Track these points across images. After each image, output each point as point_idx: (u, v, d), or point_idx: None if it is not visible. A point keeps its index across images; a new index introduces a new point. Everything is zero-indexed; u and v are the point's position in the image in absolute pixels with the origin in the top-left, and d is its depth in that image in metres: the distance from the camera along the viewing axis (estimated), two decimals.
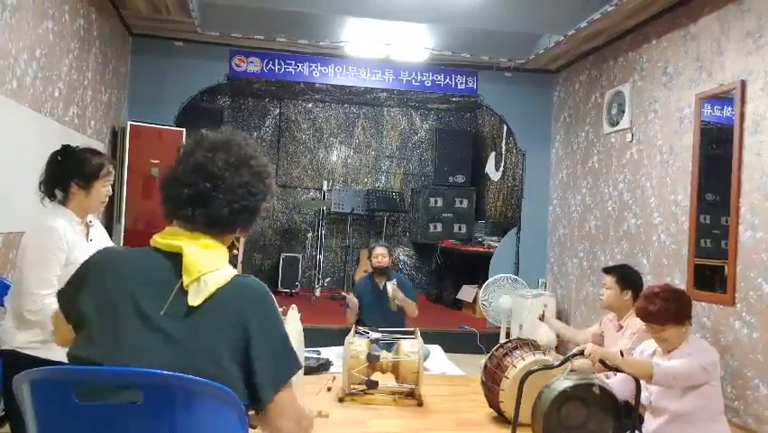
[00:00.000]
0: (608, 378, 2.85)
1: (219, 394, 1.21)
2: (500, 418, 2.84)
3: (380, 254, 4.88)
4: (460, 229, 8.69)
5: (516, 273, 6.47)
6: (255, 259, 8.95)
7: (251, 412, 1.33)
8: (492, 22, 5.54)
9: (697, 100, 4.38)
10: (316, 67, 6.54)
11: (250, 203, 1.40)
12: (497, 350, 2.96)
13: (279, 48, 6.41)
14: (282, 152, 9.18)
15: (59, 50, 4.18)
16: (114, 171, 2.51)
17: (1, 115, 3.33)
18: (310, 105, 9.26)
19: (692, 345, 2.67)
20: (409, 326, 4.27)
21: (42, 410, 1.23)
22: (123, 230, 5.67)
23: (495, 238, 7.43)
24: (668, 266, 4.63)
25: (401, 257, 9.33)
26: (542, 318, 4.07)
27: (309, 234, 9.14)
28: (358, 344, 3.18)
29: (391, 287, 4.72)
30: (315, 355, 4.16)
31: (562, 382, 2.43)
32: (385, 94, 8.45)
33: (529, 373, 2.53)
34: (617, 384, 2.74)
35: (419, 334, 3.31)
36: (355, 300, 4.87)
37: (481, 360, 3.04)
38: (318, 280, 8.69)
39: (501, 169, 8.37)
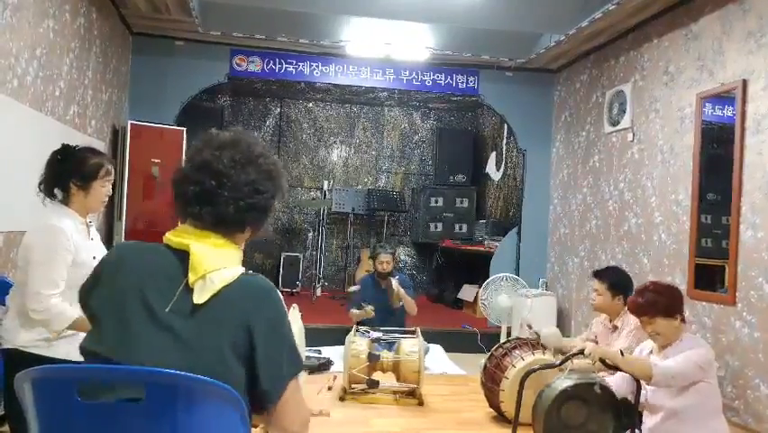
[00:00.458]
0: (611, 375, 2.85)
1: (221, 393, 1.21)
2: (501, 417, 2.84)
3: (385, 261, 4.91)
4: (460, 229, 8.69)
5: (517, 273, 6.48)
6: (256, 258, 8.95)
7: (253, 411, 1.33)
8: (493, 21, 5.54)
9: (698, 100, 4.38)
10: (317, 66, 6.54)
11: (258, 201, 1.39)
12: (496, 350, 2.96)
13: (280, 47, 6.41)
14: (283, 151, 9.18)
15: (59, 50, 4.18)
16: (113, 171, 2.50)
17: (1, 114, 3.33)
18: (311, 104, 9.26)
19: (687, 342, 2.69)
20: (410, 325, 4.27)
21: (44, 409, 1.23)
22: (123, 229, 5.67)
23: (495, 238, 7.43)
24: (669, 266, 4.62)
25: (402, 257, 9.33)
26: (538, 344, 3.99)
27: (310, 234, 9.15)
28: (359, 343, 3.18)
29: (396, 282, 4.77)
30: (316, 355, 4.16)
31: (563, 382, 2.42)
32: (386, 93, 8.45)
33: (530, 372, 2.53)
34: (615, 382, 2.74)
35: (420, 333, 3.30)
36: (371, 311, 4.79)
37: (482, 359, 3.04)
38: (319, 279, 8.69)
39: (502, 168, 8.36)
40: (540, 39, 6.11)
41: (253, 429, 1.37)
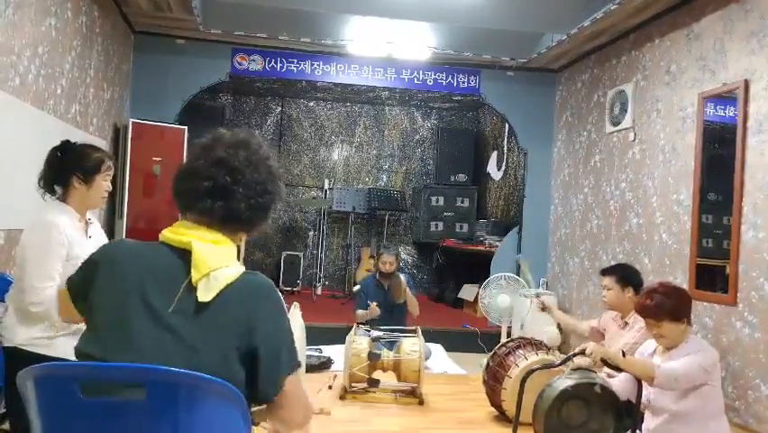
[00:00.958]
0: (610, 377, 2.84)
1: (223, 391, 1.21)
2: (501, 417, 2.84)
3: (389, 262, 4.92)
4: (461, 228, 8.69)
5: (518, 273, 6.47)
6: (257, 257, 8.95)
7: (254, 409, 1.33)
8: (494, 21, 5.54)
9: (700, 99, 4.37)
10: (318, 65, 6.54)
11: (265, 201, 1.41)
12: (499, 349, 2.96)
13: (281, 46, 6.40)
14: (284, 150, 9.18)
15: (61, 48, 4.18)
16: (113, 166, 2.52)
17: (3, 113, 3.33)
18: (312, 103, 9.26)
19: (692, 344, 2.67)
20: (411, 324, 4.28)
21: (47, 406, 1.23)
22: (124, 227, 5.68)
23: (496, 237, 7.43)
24: (670, 266, 4.62)
25: (403, 256, 9.32)
26: (543, 309, 4.08)
27: (311, 233, 9.15)
28: (359, 342, 3.18)
29: (404, 277, 4.82)
30: (317, 354, 4.16)
31: (564, 382, 2.42)
32: (387, 92, 8.45)
33: (531, 371, 2.53)
34: (619, 384, 2.74)
35: (420, 332, 3.30)
36: (376, 310, 4.77)
37: (483, 359, 3.04)
38: (320, 278, 8.69)
39: (503, 168, 8.36)
40: (541, 38, 6.10)
41: (254, 428, 1.37)
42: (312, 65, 6.53)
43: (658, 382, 2.51)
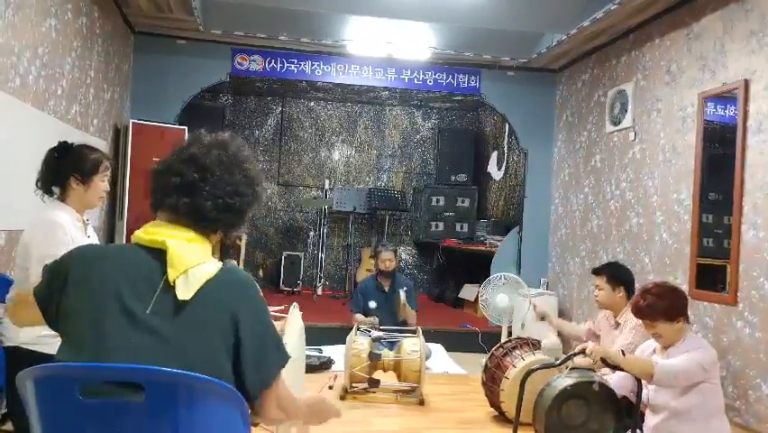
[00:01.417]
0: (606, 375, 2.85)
1: (222, 392, 1.21)
2: (501, 417, 2.84)
3: (387, 259, 4.90)
4: (462, 228, 8.68)
5: (518, 272, 6.47)
6: (257, 257, 8.95)
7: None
8: (495, 20, 5.54)
9: (700, 99, 4.37)
10: (318, 65, 6.54)
11: (235, 203, 1.38)
12: (496, 350, 2.96)
13: (282, 46, 6.40)
14: (284, 150, 9.18)
15: (61, 48, 4.18)
16: (110, 166, 2.53)
17: (3, 114, 3.34)
18: (312, 103, 9.26)
19: (690, 342, 2.68)
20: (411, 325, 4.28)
21: (46, 407, 1.23)
22: (124, 228, 5.68)
23: (497, 237, 7.43)
24: (670, 265, 4.62)
25: (403, 256, 9.32)
26: (542, 318, 4.08)
27: (311, 233, 9.15)
28: (360, 342, 3.18)
29: (403, 294, 4.75)
30: (317, 354, 4.16)
31: (563, 381, 2.42)
32: (387, 92, 8.45)
33: (530, 371, 2.53)
34: (616, 380, 2.74)
35: (421, 332, 3.31)
36: (365, 319, 4.74)
37: (483, 359, 3.04)
38: (320, 278, 8.69)
39: (503, 168, 8.36)
40: (542, 38, 6.10)
41: (253, 429, 1.37)
42: (312, 65, 6.53)
43: (657, 379, 2.52)
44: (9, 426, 2.31)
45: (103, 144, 5.16)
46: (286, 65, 6.50)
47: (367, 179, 9.39)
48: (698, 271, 4.31)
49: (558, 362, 2.60)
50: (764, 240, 3.72)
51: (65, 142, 2.46)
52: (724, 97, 4.19)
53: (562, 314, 6.19)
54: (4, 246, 3.46)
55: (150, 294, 1.26)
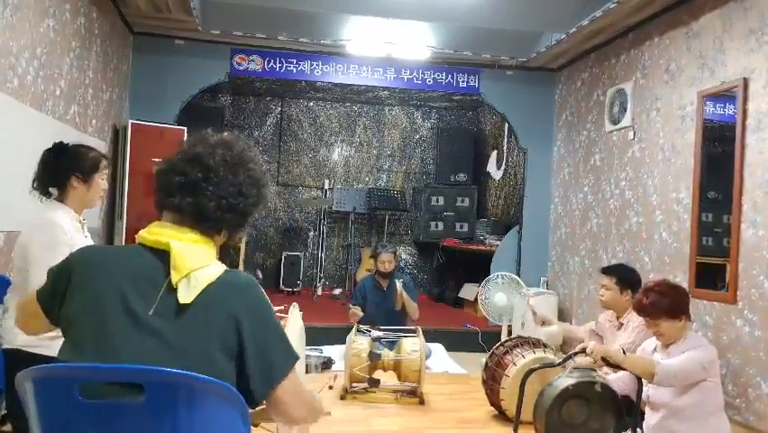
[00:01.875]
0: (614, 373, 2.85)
1: (222, 392, 1.21)
2: (502, 416, 2.84)
3: (387, 261, 4.88)
4: (461, 228, 8.69)
5: (518, 272, 6.47)
6: (257, 258, 8.95)
7: (251, 410, 1.32)
8: (494, 20, 5.54)
9: (699, 98, 4.37)
10: (318, 65, 6.53)
11: (239, 203, 1.37)
12: (497, 348, 2.96)
13: (281, 46, 6.40)
14: (283, 150, 9.17)
15: (59, 49, 4.18)
16: (108, 165, 2.53)
17: (2, 114, 3.33)
18: (311, 103, 9.26)
19: (690, 341, 2.69)
20: (411, 324, 4.27)
21: (46, 408, 1.22)
22: (124, 228, 5.68)
23: (496, 237, 7.43)
24: (670, 264, 4.62)
25: (403, 256, 9.33)
26: (543, 324, 4.07)
27: (311, 233, 9.15)
28: (360, 342, 3.18)
29: (400, 284, 4.73)
30: (317, 354, 4.16)
31: (564, 381, 2.42)
32: (386, 92, 8.45)
33: (531, 370, 2.53)
34: (617, 379, 2.74)
35: (421, 332, 3.30)
36: (359, 313, 4.73)
37: (483, 358, 3.04)
38: (320, 278, 8.69)
39: (503, 167, 8.36)
40: (541, 38, 6.10)
41: (253, 429, 1.37)
42: (311, 65, 6.52)
43: (658, 379, 2.53)
44: (9, 427, 2.31)
45: (102, 145, 5.15)
46: (285, 65, 6.49)
47: (366, 179, 9.39)
48: (697, 270, 4.31)
49: (559, 361, 2.60)
50: (764, 238, 3.72)
51: (61, 143, 2.46)
52: (723, 96, 4.19)
53: (561, 313, 6.20)
54: (2, 247, 3.46)
55: (154, 295, 1.25)
